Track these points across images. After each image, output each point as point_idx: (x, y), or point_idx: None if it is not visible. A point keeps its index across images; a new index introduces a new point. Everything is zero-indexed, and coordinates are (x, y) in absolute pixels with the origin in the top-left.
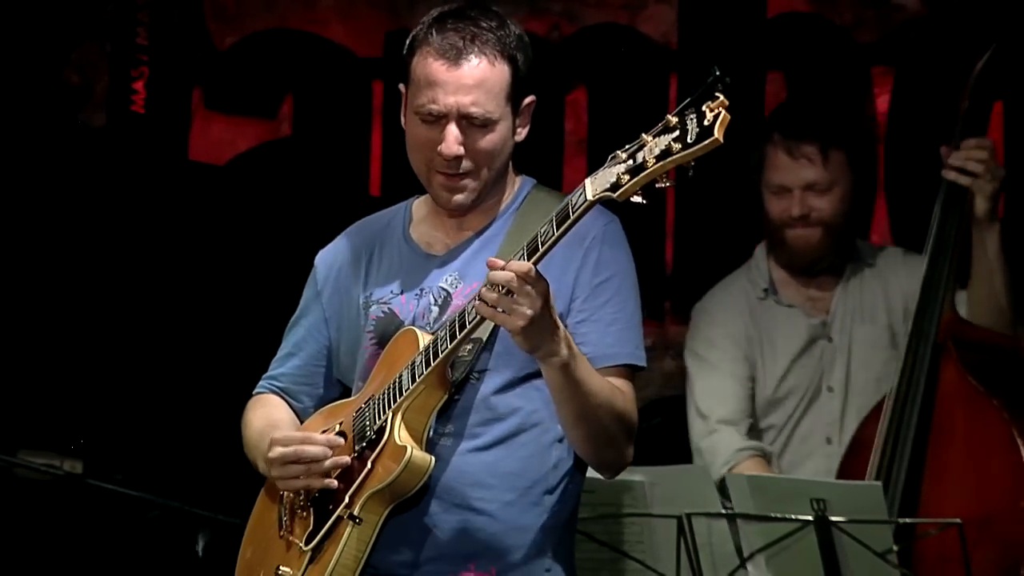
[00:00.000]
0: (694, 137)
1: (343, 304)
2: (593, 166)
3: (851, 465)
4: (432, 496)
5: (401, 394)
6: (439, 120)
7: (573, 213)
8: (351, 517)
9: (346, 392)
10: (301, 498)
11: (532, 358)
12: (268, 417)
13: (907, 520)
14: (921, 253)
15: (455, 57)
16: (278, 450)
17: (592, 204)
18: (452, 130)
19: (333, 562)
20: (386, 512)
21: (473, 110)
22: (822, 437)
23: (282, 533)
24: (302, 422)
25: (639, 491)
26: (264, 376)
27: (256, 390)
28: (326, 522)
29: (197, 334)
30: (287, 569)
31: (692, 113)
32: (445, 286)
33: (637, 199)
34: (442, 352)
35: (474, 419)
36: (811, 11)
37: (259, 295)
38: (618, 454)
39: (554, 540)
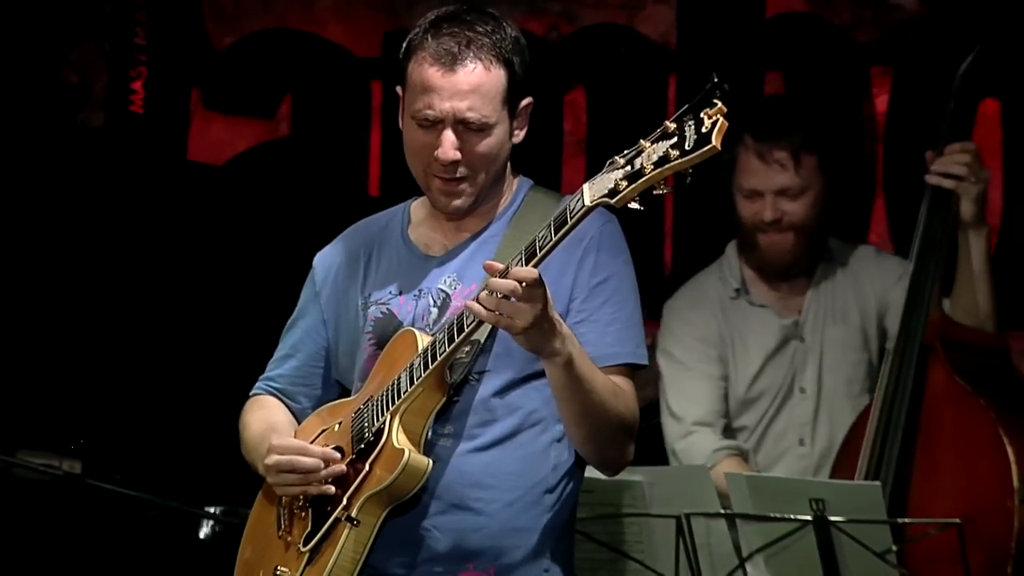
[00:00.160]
0: (692, 144)
1: (341, 305)
2: (592, 166)
3: (843, 466)
4: (431, 497)
5: (399, 396)
6: (435, 125)
7: (571, 219)
8: (349, 519)
9: (344, 393)
10: (300, 499)
11: (531, 359)
12: (266, 420)
13: (907, 520)
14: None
15: (450, 62)
16: (274, 458)
17: (590, 210)
18: (448, 135)
19: (331, 563)
20: (384, 514)
21: (469, 115)
22: (795, 438)
23: (280, 534)
24: (300, 423)
25: (638, 491)
26: (261, 377)
27: (253, 391)
28: (324, 523)
29: (196, 334)
30: (285, 569)
31: (690, 120)
32: (444, 287)
33: (635, 205)
34: (440, 355)
35: (473, 420)
36: (809, 11)
37: (258, 295)
38: (620, 452)
39: (553, 540)
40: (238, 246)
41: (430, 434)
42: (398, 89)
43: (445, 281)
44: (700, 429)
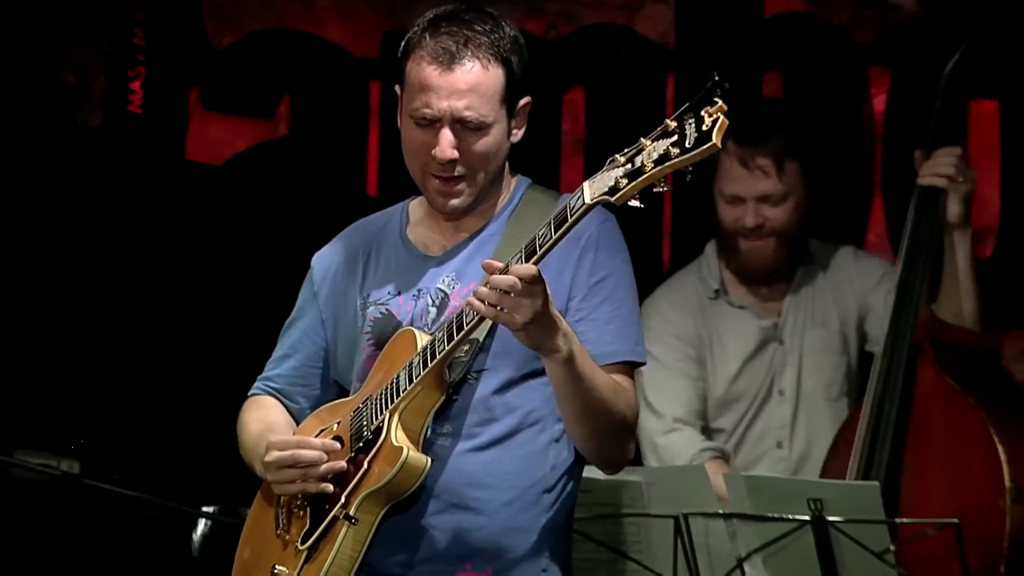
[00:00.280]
0: (692, 142)
1: (340, 305)
2: (590, 166)
3: (832, 467)
4: (429, 496)
5: (398, 395)
6: (433, 124)
7: (571, 216)
8: (347, 517)
9: (342, 393)
10: (298, 498)
11: (530, 358)
12: (264, 420)
13: (906, 520)
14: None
15: (448, 61)
16: (274, 454)
17: (590, 208)
18: (446, 134)
19: (329, 562)
20: (382, 512)
21: (467, 114)
22: (773, 441)
23: (279, 532)
24: (298, 423)
25: (636, 491)
26: (259, 377)
27: (252, 391)
28: (322, 522)
29: (194, 334)
30: (283, 568)
31: (691, 118)
32: (442, 287)
33: (635, 203)
34: (439, 353)
35: (472, 419)
36: (808, 11)
37: (256, 295)
38: (621, 450)
39: (551, 540)
40: (237, 246)
41: (429, 433)
42: (397, 88)
43: (444, 281)
44: (682, 427)
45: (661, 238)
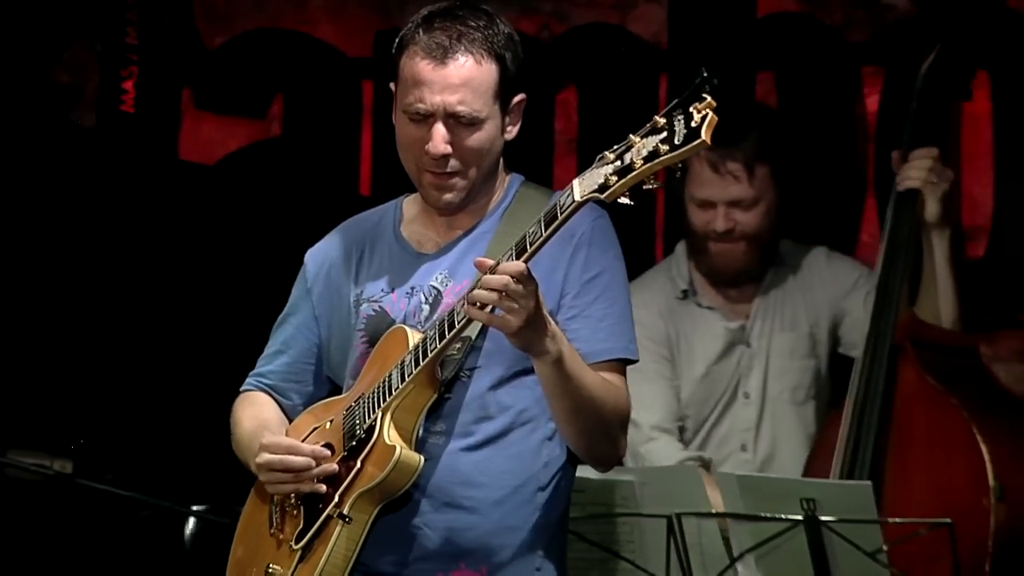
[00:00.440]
0: (681, 139)
1: (333, 302)
2: (583, 165)
3: (815, 469)
4: (423, 495)
5: (391, 393)
6: (427, 119)
7: (561, 214)
8: (341, 516)
9: (335, 389)
10: (292, 497)
11: (522, 356)
12: (258, 416)
13: (899, 520)
14: None
15: (442, 56)
16: (265, 456)
17: (580, 205)
18: (439, 129)
19: (323, 561)
20: (376, 511)
21: (460, 109)
22: (737, 443)
23: (272, 531)
24: (291, 420)
25: (629, 491)
26: (252, 373)
27: (244, 387)
28: (316, 521)
29: (187, 333)
30: (277, 567)
31: (680, 114)
32: (436, 284)
33: (625, 200)
34: (431, 351)
35: (464, 418)
36: (801, 11)
37: (249, 294)
38: (613, 447)
39: (545, 539)
40: (229, 245)
41: (421, 431)
42: (391, 85)
43: (437, 278)
44: (660, 436)
45: (654, 237)
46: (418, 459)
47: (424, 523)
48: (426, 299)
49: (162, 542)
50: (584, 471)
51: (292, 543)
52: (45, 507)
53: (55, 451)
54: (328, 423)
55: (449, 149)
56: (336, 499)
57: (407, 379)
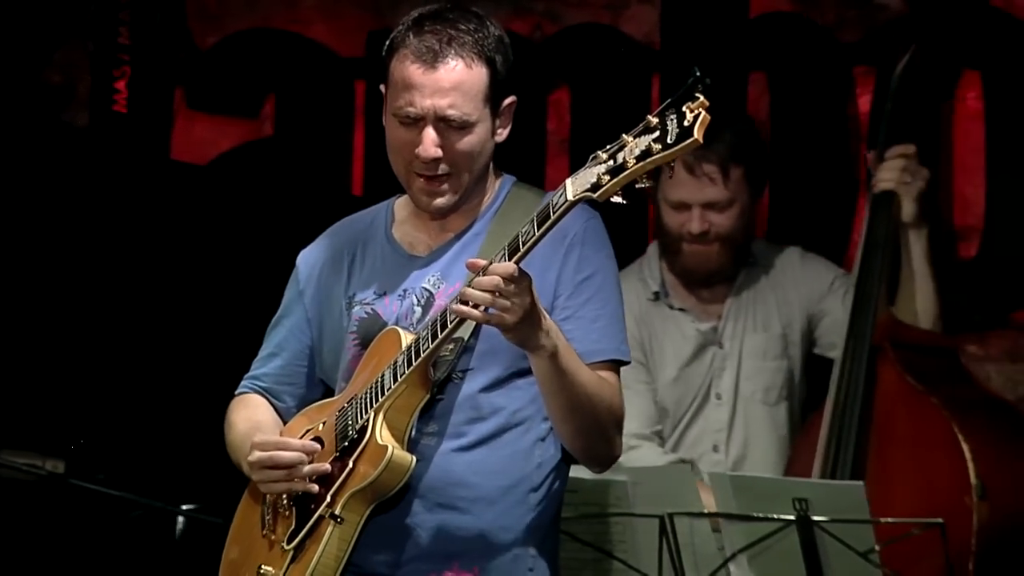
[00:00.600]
0: (674, 138)
1: (325, 304)
2: (575, 166)
3: (796, 469)
4: (415, 495)
5: (383, 393)
6: (417, 123)
7: (553, 213)
8: (332, 516)
9: (329, 392)
10: (284, 497)
11: (516, 357)
12: (251, 419)
13: (891, 520)
14: None
15: (432, 60)
16: (256, 454)
17: (572, 204)
18: (429, 132)
19: (315, 561)
20: (368, 511)
21: (450, 112)
22: (709, 444)
23: (265, 532)
24: (285, 422)
25: (622, 491)
26: (246, 376)
27: (239, 390)
28: (308, 521)
29: (180, 334)
30: (269, 568)
31: (672, 114)
32: (428, 287)
33: (617, 199)
34: (423, 352)
35: (457, 418)
36: (794, 11)
37: (242, 295)
38: (609, 447)
39: (537, 539)
40: (222, 246)
41: (414, 432)
42: (381, 87)
43: (429, 280)
44: (642, 443)
45: (646, 237)
46: (410, 459)
47: (417, 523)
48: (418, 301)
49: (154, 543)
50: (577, 471)
51: (284, 544)
52: (37, 507)
53: (47, 451)
54: (321, 425)
55: (439, 153)
56: (328, 499)
57: (400, 379)
